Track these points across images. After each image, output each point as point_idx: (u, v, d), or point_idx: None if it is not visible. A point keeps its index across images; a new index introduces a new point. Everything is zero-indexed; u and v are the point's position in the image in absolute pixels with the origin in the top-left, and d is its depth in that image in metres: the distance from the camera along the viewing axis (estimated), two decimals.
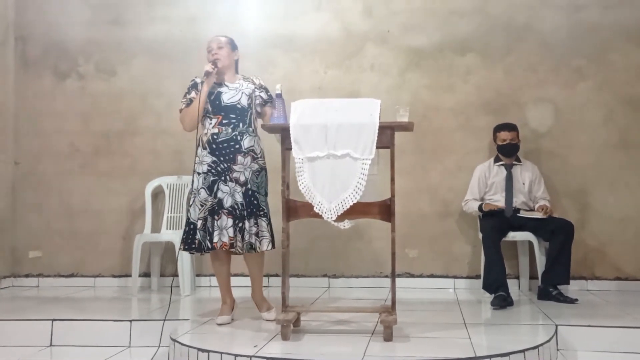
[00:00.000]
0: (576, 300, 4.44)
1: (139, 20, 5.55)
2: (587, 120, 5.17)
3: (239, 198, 3.79)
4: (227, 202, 3.78)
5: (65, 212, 5.54)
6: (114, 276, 5.48)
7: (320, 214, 3.40)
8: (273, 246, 3.86)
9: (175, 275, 4.96)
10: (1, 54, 5.54)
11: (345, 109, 3.47)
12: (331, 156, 3.41)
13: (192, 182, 3.88)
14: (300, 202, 3.52)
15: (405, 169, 5.03)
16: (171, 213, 5.31)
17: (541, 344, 3.28)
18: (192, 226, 3.84)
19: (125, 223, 5.49)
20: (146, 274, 5.34)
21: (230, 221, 3.76)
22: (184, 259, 4.94)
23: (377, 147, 3.41)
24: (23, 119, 5.62)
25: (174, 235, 5.08)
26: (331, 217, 3.40)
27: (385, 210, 3.45)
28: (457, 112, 5.27)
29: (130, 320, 3.94)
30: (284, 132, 3.53)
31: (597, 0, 5.18)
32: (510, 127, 4.91)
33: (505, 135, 4.89)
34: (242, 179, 3.81)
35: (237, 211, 3.78)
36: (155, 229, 5.30)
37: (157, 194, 5.39)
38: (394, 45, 5.37)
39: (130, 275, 5.14)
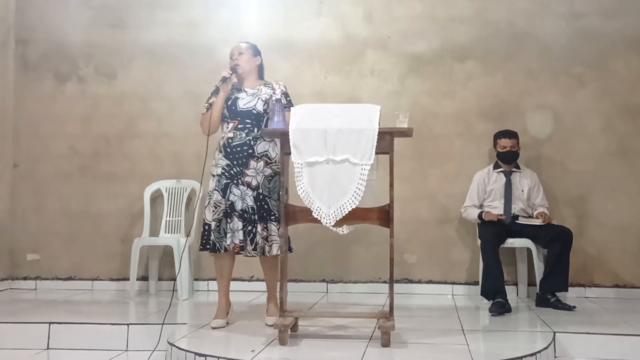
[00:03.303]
0: (574, 307, 4.43)
1: (139, 23, 5.55)
2: (586, 128, 5.18)
3: (250, 202, 3.84)
4: (239, 205, 3.84)
5: (64, 215, 5.53)
6: (112, 279, 5.47)
7: (319, 219, 3.40)
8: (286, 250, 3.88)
9: (173, 279, 4.95)
10: (1, 57, 5.54)
11: (345, 114, 3.47)
12: (330, 161, 3.41)
13: (209, 184, 3.94)
14: (299, 207, 3.52)
15: (405, 174, 5.03)
16: (170, 217, 5.30)
17: (539, 351, 3.28)
18: (207, 227, 3.90)
19: (124, 226, 5.48)
20: (144, 278, 5.32)
21: (240, 224, 3.82)
22: (182, 263, 4.93)
23: (377, 153, 3.41)
24: (23, 121, 5.61)
25: (172, 239, 5.08)
26: (330, 222, 3.39)
27: (384, 215, 3.45)
28: (457, 118, 5.28)
29: (128, 324, 3.94)
30: (283, 137, 3.53)
31: (598, 8, 5.20)
32: (511, 135, 4.91)
33: (505, 142, 4.89)
34: (253, 183, 3.86)
35: (248, 215, 3.83)
36: (154, 232, 5.30)
37: (156, 197, 5.39)
38: (394, 51, 5.38)
39: (128, 279, 5.13)
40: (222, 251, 3.84)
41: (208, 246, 3.88)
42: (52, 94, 5.61)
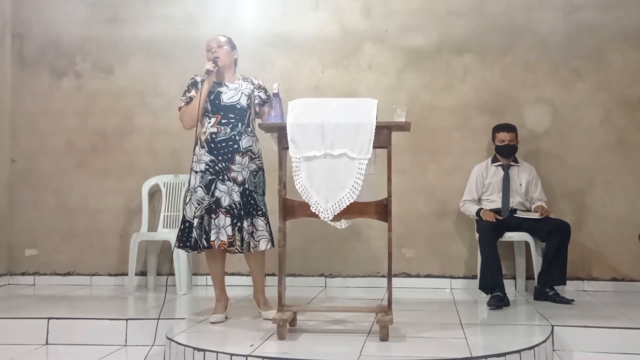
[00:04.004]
0: (572, 300, 4.44)
1: (136, 18, 5.54)
2: (584, 121, 5.17)
3: (236, 197, 3.80)
4: (225, 201, 3.80)
5: (62, 211, 5.53)
6: (110, 275, 5.48)
7: (317, 213, 3.40)
8: (272, 245, 3.87)
9: (172, 274, 4.95)
10: None
11: (343, 108, 3.46)
12: (328, 156, 3.41)
13: (189, 180, 3.88)
14: (297, 202, 3.52)
15: (402, 168, 5.03)
16: (168, 212, 5.30)
17: (537, 345, 3.28)
18: (187, 224, 3.85)
19: (122, 222, 5.48)
20: (143, 273, 5.33)
21: (228, 220, 3.78)
22: (181, 258, 4.93)
23: (374, 147, 3.41)
24: (20, 117, 5.61)
25: (170, 234, 5.07)
26: (328, 217, 3.39)
27: (382, 210, 3.45)
28: (455, 112, 5.27)
29: (127, 319, 3.93)
30: (281, 132, 3.53)
31: (595, 0, 5.19)
32: (510, 128, 4.91)
33: (504, 136, 4.89)
34: (239, 178, 3.82)
35: (235, 210, 3.80)
36: (152, 227, 5.29)
37: (154, 192, 5.38)
38: (392, 45, 5.37)
39: (126, 274, 5.13)
40: (205, 248, 3.81)
41: (189, 244, 3.84)
42: (49, 89, 5.60)
